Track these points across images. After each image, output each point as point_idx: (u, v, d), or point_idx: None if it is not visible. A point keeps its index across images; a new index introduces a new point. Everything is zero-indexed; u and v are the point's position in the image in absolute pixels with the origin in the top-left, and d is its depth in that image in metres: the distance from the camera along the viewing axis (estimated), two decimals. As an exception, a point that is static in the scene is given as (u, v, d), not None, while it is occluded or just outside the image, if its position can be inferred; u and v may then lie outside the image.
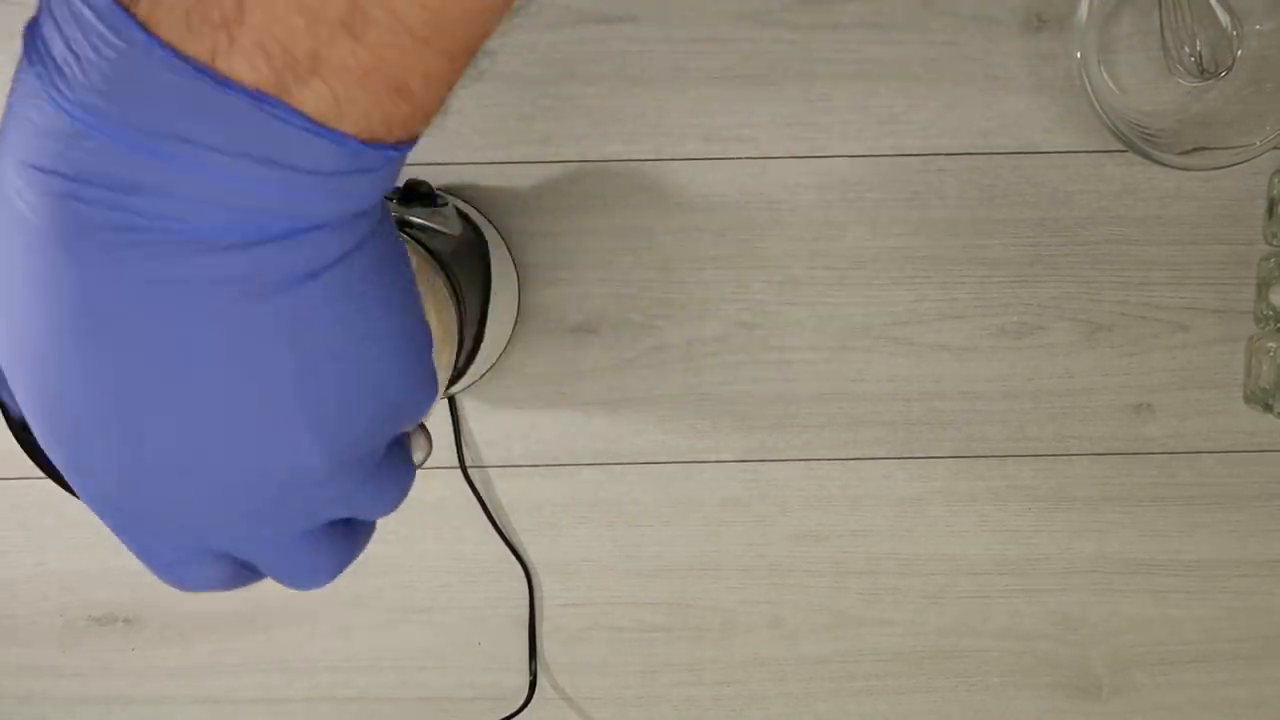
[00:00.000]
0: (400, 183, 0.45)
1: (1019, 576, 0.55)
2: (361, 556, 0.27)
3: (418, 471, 0.26)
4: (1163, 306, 0.53)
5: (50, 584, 0.56)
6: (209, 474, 0.22)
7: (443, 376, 0.40)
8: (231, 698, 0.57)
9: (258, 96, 0.19)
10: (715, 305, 0.54)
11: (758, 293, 0.53)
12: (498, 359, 0.53)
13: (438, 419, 0.54)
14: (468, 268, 0.46)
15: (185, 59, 0.18)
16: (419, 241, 0.42)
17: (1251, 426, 0.54)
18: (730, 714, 0.57)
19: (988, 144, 0.52)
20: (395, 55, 0.20)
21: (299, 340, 0.21)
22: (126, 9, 0.18)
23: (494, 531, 0.54)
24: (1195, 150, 0.49)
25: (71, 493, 0.23)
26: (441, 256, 0.42)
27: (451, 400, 0.54)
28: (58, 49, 0.19)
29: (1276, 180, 0.52)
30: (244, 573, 0.25)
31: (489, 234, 0.50)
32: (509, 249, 0.52)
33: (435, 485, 0.54)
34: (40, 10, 0.19)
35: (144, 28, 0.18)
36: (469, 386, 0.53)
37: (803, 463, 0.55)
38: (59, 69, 0.19)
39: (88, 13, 0.18)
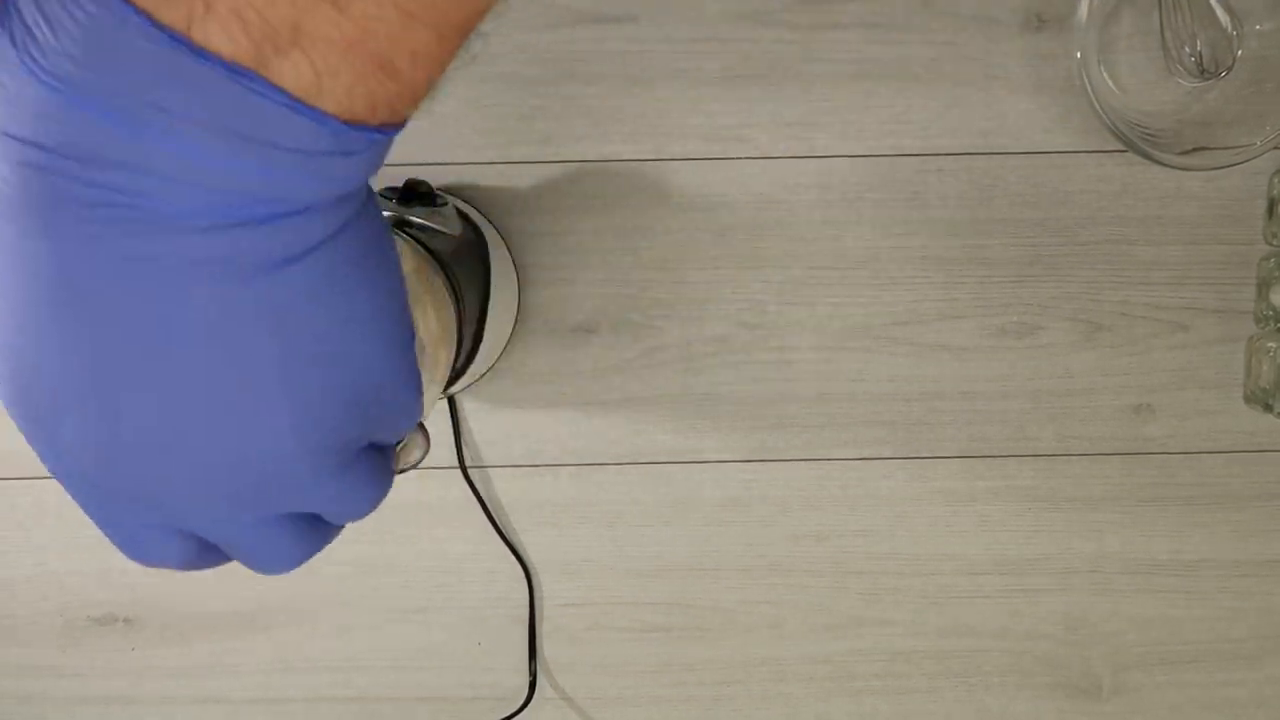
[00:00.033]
0: (400, 183, 0.45)
1: (1019, 576, 0.55)
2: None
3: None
4: (1163, 306, 0.53)
5: (50, 584, 0.56)
6: (188, 455, 0.21)
7: (443, 376, 0.40)
8: (231, 698, 0.57)
9: (235, 69, 0.18)
10: (715, 305, 0.54)
11: (758, 293, 0.53)
12: (497, 359, 0.53)
13: (438, 419, 0.54)
14: (467, 268, 0.46)
15: (160, 26, 0.18)
16: (419, 241, 0.42)
17: (1251, 426, 0.54)
18: (730, 714, 0.57)
19: (988, 144, 0.52)
20: (381, 29, 0.19)
21: (282, 325, 0.21)
22: None
23: (494, 531, 0.54)
24: (1195, 150, 0.49)
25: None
26: (441, 256, 0.42)
27: (451, 400, 0.54)
28: (28, 10, 0.18)
29: (1276, 180, 0.52)
30: (205, 554, 0.24)
31: (489, 234, 0.50)
32: (509, 249, 0.52)
33: (435, 485, 0.54)
34: None
35: None
36: (469, 386, 0.53)
37: (803, 463, 0.55)
38: (29, 32, 0.18)
39: None
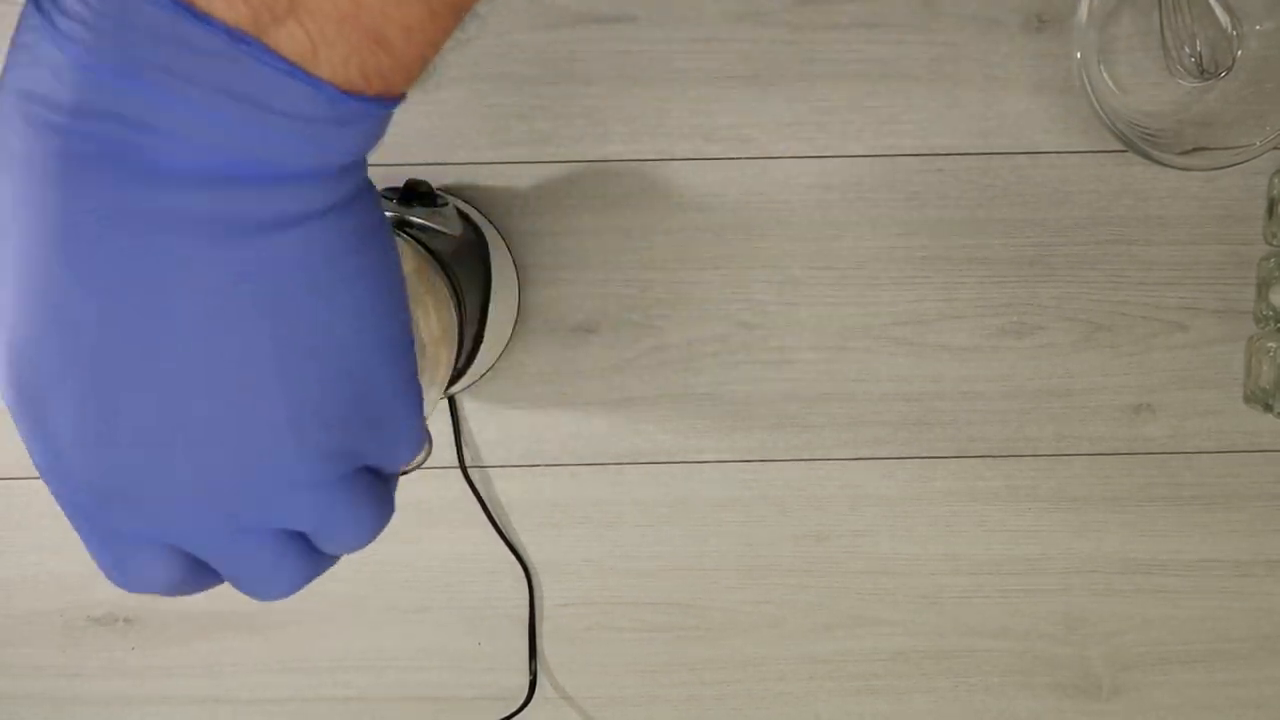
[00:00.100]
0: (400, 183, 0.45)
1: (1019, 576, 0.55)
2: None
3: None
4: (1163, 306, 0.53)
5: (50, 584, 0.56)
6: (183, 447, 0.21)
7: (444, 377, 0.40)
8: (231, 698, 0.57)
9: (235, 34, 0.19)
10: (715, 305, 0.54)
11: (758, 293, 0.53)
12: (498, 359, 0.53)
13: (438, 419, 0.54)
14: (468, 268, 0.46)
15: None
16: (419, 241, 0.42)
17: (1251, 426, 0.54)
18: (730, 714, 0.57)
19: (987, 144, 0.52)
20: (373, 2, 0.20)
21: (278, 308, 0.21)
22: None
23: (494, 531, 0.55)
24: (1195, 150, 0.49)
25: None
26: (441, 256, 0.42)
27: (451, 400, 0.54)
28: None
29: (1276, 180, 0.52)
30: (193, 574, 0.24)
31: (489, 234, 0.50)
32: (509, 249, 0.52)
33: (435, 485, 0.54)
34: None
35: None
36: (469, 386, 0.53)
37: (803, 463, 0.55)
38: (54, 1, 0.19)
39: None
